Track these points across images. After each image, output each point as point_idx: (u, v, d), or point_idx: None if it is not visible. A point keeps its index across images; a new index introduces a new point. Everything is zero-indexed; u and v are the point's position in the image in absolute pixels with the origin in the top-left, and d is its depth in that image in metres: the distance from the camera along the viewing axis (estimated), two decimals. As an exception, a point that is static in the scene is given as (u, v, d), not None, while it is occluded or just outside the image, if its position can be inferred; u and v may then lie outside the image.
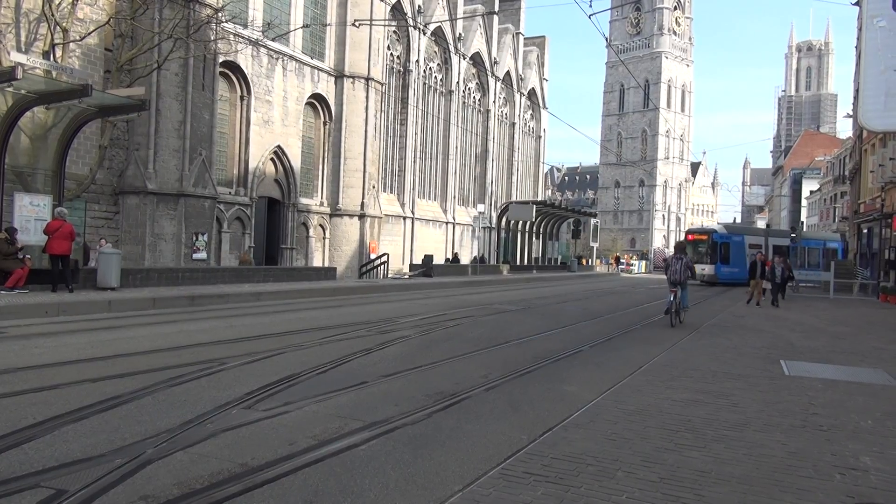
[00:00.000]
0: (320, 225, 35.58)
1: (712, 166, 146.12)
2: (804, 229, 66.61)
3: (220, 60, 26.64)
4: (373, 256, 35.74)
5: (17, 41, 19.96)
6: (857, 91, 33.80)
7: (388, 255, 36.03)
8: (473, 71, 52.80)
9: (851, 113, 44.20)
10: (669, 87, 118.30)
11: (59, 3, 19.94)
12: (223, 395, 6.25)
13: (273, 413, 5.76)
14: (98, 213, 23.05)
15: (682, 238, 40.30)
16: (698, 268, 31.61)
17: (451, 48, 48.13)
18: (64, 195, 16.99)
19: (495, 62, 54.86)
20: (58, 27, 19.78)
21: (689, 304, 15.75)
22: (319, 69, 34.51)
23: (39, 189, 16.98)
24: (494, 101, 55.45)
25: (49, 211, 15.01)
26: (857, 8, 36.07)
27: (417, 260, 38.49)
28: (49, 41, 19.69)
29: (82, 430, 5.08)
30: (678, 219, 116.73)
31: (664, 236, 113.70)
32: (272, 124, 31.46)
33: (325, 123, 35.72)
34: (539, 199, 61.38)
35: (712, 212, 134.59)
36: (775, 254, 29.53)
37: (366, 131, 36.11)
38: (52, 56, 19.52)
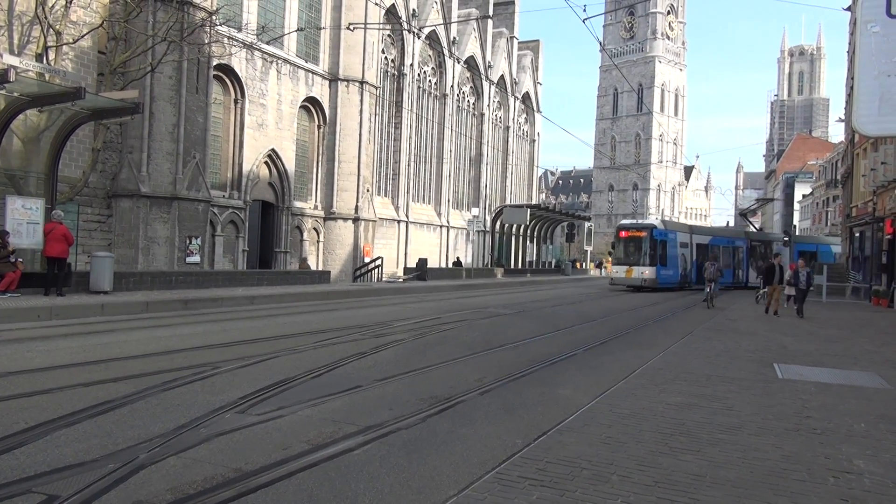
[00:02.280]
0: (314, 228, 35.53)
1: (706, 170, 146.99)
2: (796, 232, 66.88)
3: (214, 63, 26.59)
4: (367, 260, 35.70)
5: (10, 44, 19.87)
6: (849, 95, 33.99)
7: (382, 258, 36.00)
8: (468, 75, 52.89)
9: (843, 117, 44.50)
10: (663, 91, 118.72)
11: (53, 6, 19.86)
12: (217, 400, 6.22)
13: (267, 417, 5.74)
14: (91, 216, 22.95)
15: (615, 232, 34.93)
16: (636, 271, 30.64)
17: (446, 52, 48.19)
18: (56, 198, 16.90)
19: (489, 66, 54.97)
20: (51, 30, 19.70)
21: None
22: (314, 72, 34.50)
23: (32, 192, 16.91)
24: (489, 105, 55.54)
25: (41, 214, 14.94)
26: (849, 13, 36.32)
27: (412, 263, 38.45)
28: (42, 44, 19.61)
29: (75, 434, 5.05)
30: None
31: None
32: (266, 127, 31.41)
33: (319, 127, 35.69)
34: (533, 202, 61.45)
35: (706, 215, 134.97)
36: (800, 257, 28.29)
37: (360, 135, 36.09)
38: (45, 58, 19.44)
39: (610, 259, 37.54)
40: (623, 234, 32.64)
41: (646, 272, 30.65)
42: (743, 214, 48.44)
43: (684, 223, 37.14)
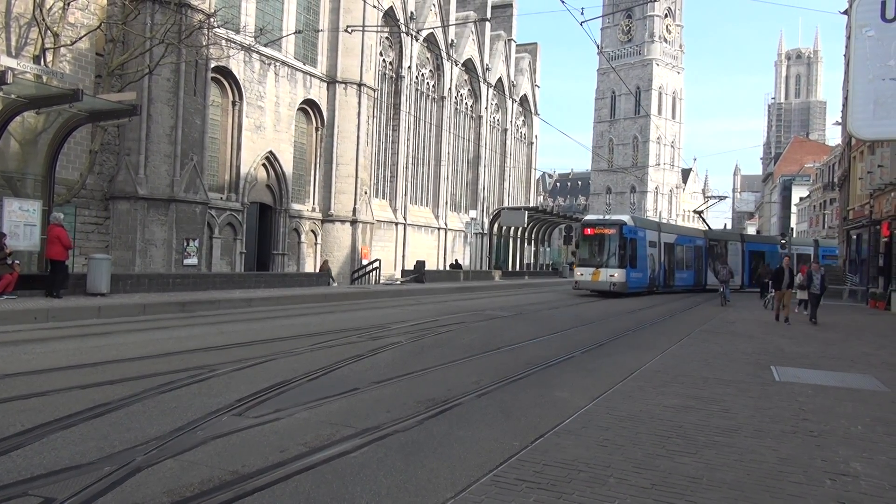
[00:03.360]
0: (312, 231, 35.51)
1: (703, 173, 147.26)
2: (794, 235, 66.98)
3: (212, 66, 26.59)
4: (365, 262, 35.68)
5: (8, 45, 19.85)
6: (846, 99, 34.10)
7: (379, 260, 35.98)
8: (466, 77, 52.94)
9: (840, 120, 44.59)
10: (660, 93, 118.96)
11: (50, 8, 19.86)
12: (213, 402, 6.21)
13: (264, 420, 5.73)
14: (88, 218, 22.92)
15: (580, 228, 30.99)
16: (604, 274, 26.93)
17: (444, 54, 48.24)
18: (54, 200, 16.87)
19: (487, 68, 55.04)
20: (49, 32, 19.70)
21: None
22: (312, 75, 34.51)
23: (29, 194, 16.88)
24: (486, 108, 55.60)
25: (38, 216, 14.92)
26: (846, 16, 36.46)
27: (410, 266, 38.44)
28: (40, 46, 19.61)
29: (71, 437, 5.04)
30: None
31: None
32: (264, 130, 31.41)
33: (317, 129, 35.69)
34: (531, 205, 61.52)
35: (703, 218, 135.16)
36: (814, 261, 26.04)
37: (358, 137, 36.10)
38: (42, 60, 19.44)
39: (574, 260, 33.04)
40: (588, 231, 28.60)
41: (615, 275, 26.93)
42: (697, 212, 45.88)
43: (652, 219, 33.99)
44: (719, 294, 25.87)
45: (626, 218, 29.09)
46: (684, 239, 34.05)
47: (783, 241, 44.68)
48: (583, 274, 28.05)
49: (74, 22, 21.36)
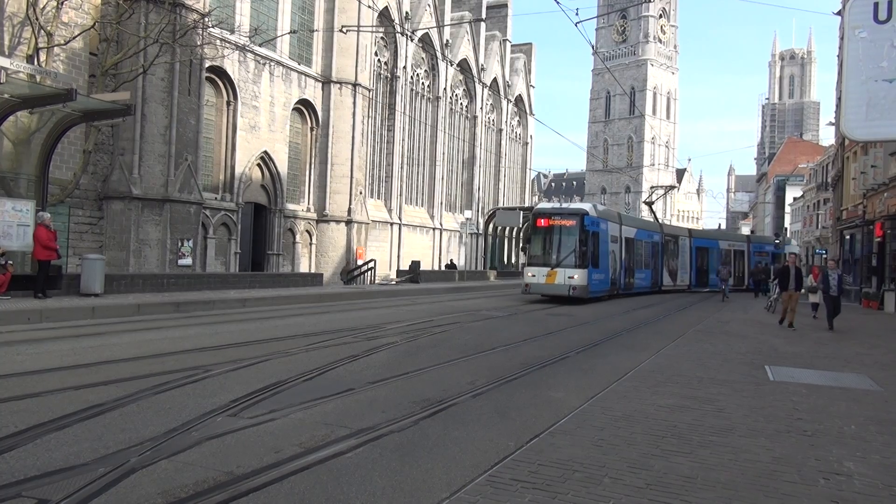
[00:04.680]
0: (307, 231, 35.47)
1: (697, 173, 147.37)
2: (787, 235, 67.19)
3: (207, 65, 26.54)
4: (360, 262, 35.66)
5: (1, 45, 19.77)
6: (839, 99, 34.25)
7: (375, 261, 35.96)
8: (461, 77, 52.96)
9: (834, 121, 44.79)
10: (655, 94, 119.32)
11: (44, 7, 19.78)
12: (208, 403, 6.20)
13: (259, 421, 5.73)
14: (82, 218, 22.83)
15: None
16: (561, 275, 22.17)
17: (439, 54, 48.26)
18: (47, 200, 16.80)
19: (482, 69, 55.07)
20: (42, 31, 19.62)
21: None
22: (307, 75, 34.46)
23: (22, 194, 16.81)
24: (481, 108, 55.63)
25: (32, 216, 14.85)
26: (840, 17, 36.62)
27: (405, 266, 38.43)
28: (33, 45, 19.52)
29: (65, 438, 5.02)
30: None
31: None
32: (259, 130, 31.35)
33: (312, 129, 35.65)
34: (526, 205, 61.53)
35: (697, 218, 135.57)
36: (830, 259, 22.48)
37: (353, 137, 36.08)
38: (36, 60, 19.36)
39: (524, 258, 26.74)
40: (542, 222, 23.32)
41: (575, 276, 22.07)
42: (647, 203, 42.62)
43: (612, 210, 29.22)
44: (721, 293, 28.60)
45: (587, 207, 24.00)
46: (643, 234, 30.18)
47: (777, 242, 44.66)
48: (535, 275, 22.89)
49: (68, 21, 21.28)
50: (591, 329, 15.02)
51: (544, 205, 30.12)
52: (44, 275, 14.48)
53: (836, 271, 15.88)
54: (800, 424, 5.99)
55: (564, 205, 26.51)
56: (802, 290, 16.51)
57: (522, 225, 46.74)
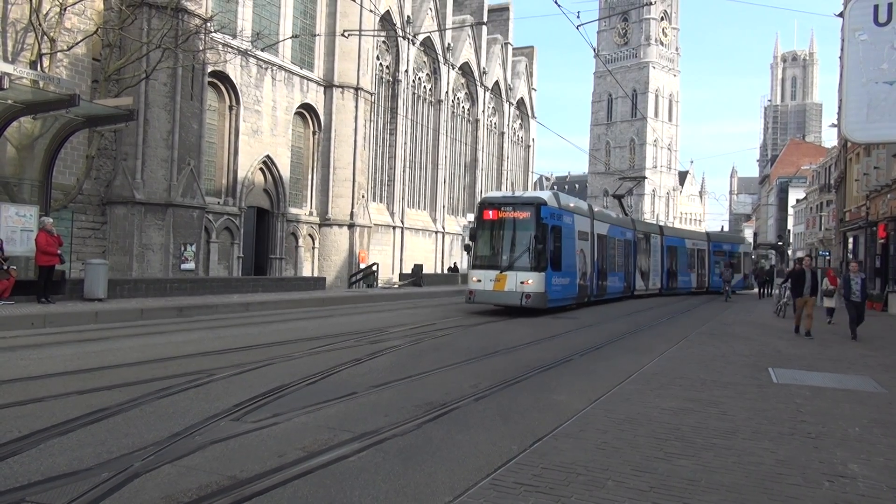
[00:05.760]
0: (309, 235, 35.49)
1: (700, 175, 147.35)
2: (790, 238, 67.03)
3: (209, 70, 26.59)
4: (362, 266, 35.66)
5: (4, 51, 19.85)
6: (841, 101, 34.16)
7: (377, 264, 35.95)
8: (462, 81, 53.01)
9: (836, 123, 44.70)
10: (657, 96, 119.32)
11: (47, 13, 19.87)
12: (211, 407, 6.21)
13: (262, 425, 5.73)
14: (85, 223, 22.89)
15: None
16: (512, 280, 18.00)
17: (441, 58, 48.31)
18: (51, 206, 16.85)
19: (484, 72, 55.12)
20: (45, 37, 19.70)
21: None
22: (309, 79, 34.53)
23: (26, 199, 16.84)
24: (483, 111, 55.66)
25: (35, 222, 14.89)
26: (841, 19, 36.58)
27: (407, 269, 38.43)
28: (36, 51, 19.60)
29: (68, 443, 5.03)
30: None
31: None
32: (261, 134, 31.41)
33: (314, 133, 35.71)
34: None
35: (700, 220, 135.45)
36: (853, 260, 20.33)
37: (355, 141, 36.12)
38: (39, 66, 19.43)
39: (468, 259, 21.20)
40: (490, 213, 18.91)
41: (529, 281, 17.89)
42: (616, 196, 38.00)
43: (583, 202, 25.21)
44: (724, 293, 30.13)
45: (545, 195, 19.41)
46: (617, 230, 26.54)
47: (779, 244, 44.38)
48: (480, 280, 18.59)
49: (71, 27, 21.36)
50: (594, 332, 14.94)
51: (494, 193, 25.72)
52: (45, 280, 14.52)
53: (859, 275, 14.48)
54: (803, 427, 5.98)
55: (519, 193, 21.27)
56: (816, 296, 15.23)
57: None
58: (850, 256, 34.21)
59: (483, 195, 25.40)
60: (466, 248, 22.66)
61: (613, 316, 19.51)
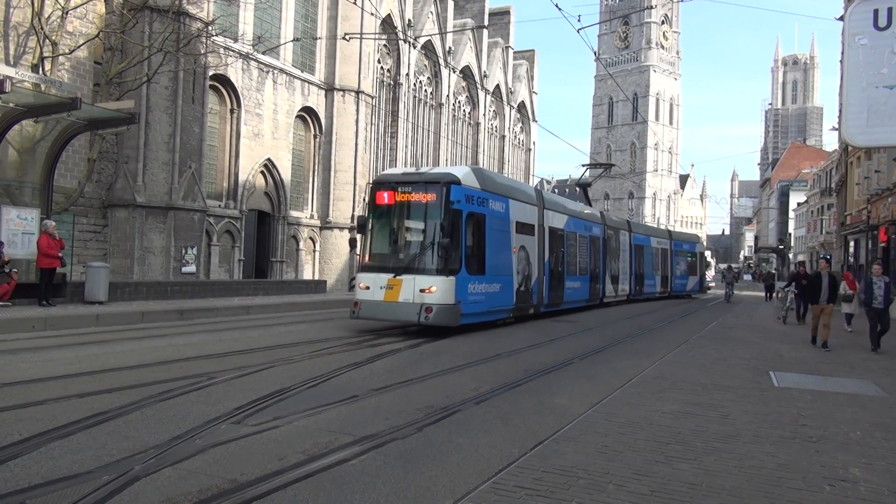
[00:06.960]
0: (310, 238, 35.49)
1: (700, 178, 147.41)
2: (791, 242, 66.96)
3: (210, 74, 26.63)
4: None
5: (6, 54, 19.88)
6: (841, 105, 34.16)
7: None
8: (463, 84, 53.08)
9: (837, 126, 44.73)
10: (658, 100, 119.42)
11: (49, 17, 19.91)
12: (212, 410, 6.20)
13: (263, 428, 5.73)
14: (86, 226, 22.90)
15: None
16: (408, 286, 13.25)
17: (442, 61, 48.38)
18: (52, 208, 16.88)
19: (485, 75, 55.19)
20: (47, 40, 19.74)
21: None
22: (310, 82, 34.58)
23: (27, 202, 16.87)
24: (484, 114, 55.72)
25: (36, 225, 14.92)
26: (842, 23, 36.60)
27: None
28: (38, 54, 19.63)
29: (69, 446, 5.03)
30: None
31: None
32: (262, 137, 31.44)
33: (315, 136, 35.74)
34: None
35: (701, 223, 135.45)
36: (875, 262, 14.90)
37: (356, 144, 36.16)
38: (41, 69, 19.45)
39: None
40: (385, 196, 14.13)
41: (433, 288, 13.14)
42: (580, 186, 34.22)
43: (529, 187, 22.20)
44: (725, 295, 31.93)
45: (460, 172, 14.30)
46: (579, 224, 22.24)
47: (780, 248, 44.27)
48: (369, 287, 13.84)
49: (73, 31, 21.41)
50: (595, 335, 14.91)
51: (392, 170, 20.37)
52: (46, 283, 14.53)
53: (882, 278, 12.59)
54: (805, 431, 5.97)
55: (423, 169, 15.28)
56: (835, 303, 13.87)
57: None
58: (852, 261, 34.16)
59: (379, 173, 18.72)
60: (352, 242, 16.75)
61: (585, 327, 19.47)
